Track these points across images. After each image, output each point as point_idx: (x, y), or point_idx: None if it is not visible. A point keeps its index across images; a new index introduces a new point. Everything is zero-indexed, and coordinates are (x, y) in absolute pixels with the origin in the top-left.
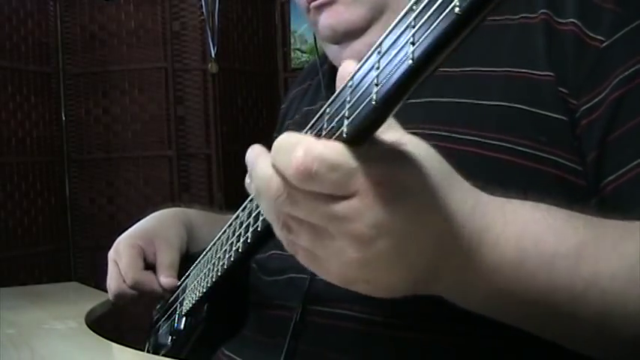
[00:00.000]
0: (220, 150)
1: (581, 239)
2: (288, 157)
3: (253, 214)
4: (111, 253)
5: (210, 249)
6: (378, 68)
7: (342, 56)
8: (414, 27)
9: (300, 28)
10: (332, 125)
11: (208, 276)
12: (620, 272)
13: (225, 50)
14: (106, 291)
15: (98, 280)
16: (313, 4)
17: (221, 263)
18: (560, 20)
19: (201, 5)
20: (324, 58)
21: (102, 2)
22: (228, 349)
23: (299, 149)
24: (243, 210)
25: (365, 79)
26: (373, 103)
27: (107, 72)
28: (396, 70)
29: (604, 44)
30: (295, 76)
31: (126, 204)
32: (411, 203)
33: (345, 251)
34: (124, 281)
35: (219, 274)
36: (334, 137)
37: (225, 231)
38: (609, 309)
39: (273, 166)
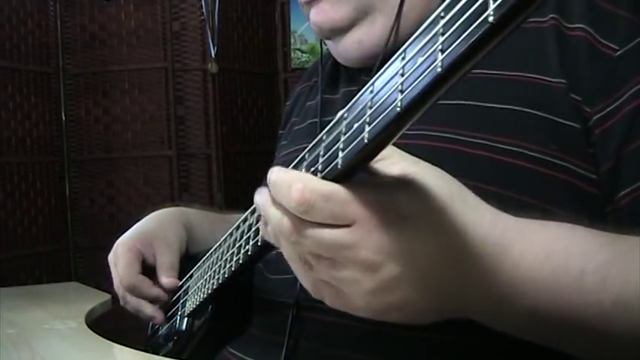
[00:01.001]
0: (220, 150)
1: (607, 256)
2: (288, 192)
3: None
4: (110, 257)
5: (214, 251)
6: (402, 75)
7: (337, 51)
8: (443, 34)
9: (300, 28)
10: (352, 131)
11: (214, 278)
12: None
13: (225, 50)
14: (106, 291)
15: (98, 280)
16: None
17: (228, 265)
18: (568, 25)
19: (201, 5)
20: (328, 54)
21: (102, 2)
22: (233, 348)
23: (298, 184)
24: (252, 213)
25: (388, 85)
26: (398, 109)
27: (107, 72)
28: (423, 77)
29: (618, 52)
30: (295, 76)
31: (126, 204)
32: (412, 227)
33: (361, 281)
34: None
35: (225, 276)
36: (355, 143)
37: (231, 233)
38: (637, 326)
39: (274, 202)
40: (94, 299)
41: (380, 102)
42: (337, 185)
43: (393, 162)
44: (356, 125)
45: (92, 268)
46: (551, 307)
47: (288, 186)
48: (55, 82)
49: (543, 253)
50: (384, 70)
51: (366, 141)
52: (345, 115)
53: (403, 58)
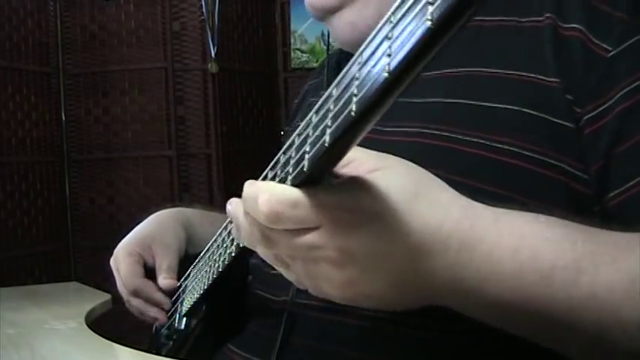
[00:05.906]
0: (220, 150)
1: (579, 253)
2: (256, 205)
3: None
4: (112, 262)
5: (208, 249)
6: (389, 38)
7: (333, 33)
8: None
9: (300, 28)
10: (339, 107)
11: (206, 277)
12: (618, 285)
13: (225, 50)
14: (106, 291)
15: (98, 280)
16: None
17: (216, 265)
18: (564, 25)
19: (201, 5)
20: (338, 50)
21: (102, 2)
22: (233, 345)
23: (265, 195)
24: None
25: (375, 53)
26: (385, 75)
27: (107, 72)
28: (411, 37)
29: (610, 53)
30: (295, 76)
31: (126, 204)
32: (375, 228)
33: (331, 275)
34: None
35: (214, 275)
36: (343, 116)
37: (220, 233)
38: (606, 322)
39: (247, 214)
40: (94, 299)
41: (367, 70)
42: (300, 193)
43: (360, 163)
44: (344, 98)
45: (92, 268)
46: (519, 301)
47: (255, 198)
48: (55, 82)
49: (511, 249)
50: (370, 41)
51: (353, 114)
52: (334, 91)
53: (391, 22)
